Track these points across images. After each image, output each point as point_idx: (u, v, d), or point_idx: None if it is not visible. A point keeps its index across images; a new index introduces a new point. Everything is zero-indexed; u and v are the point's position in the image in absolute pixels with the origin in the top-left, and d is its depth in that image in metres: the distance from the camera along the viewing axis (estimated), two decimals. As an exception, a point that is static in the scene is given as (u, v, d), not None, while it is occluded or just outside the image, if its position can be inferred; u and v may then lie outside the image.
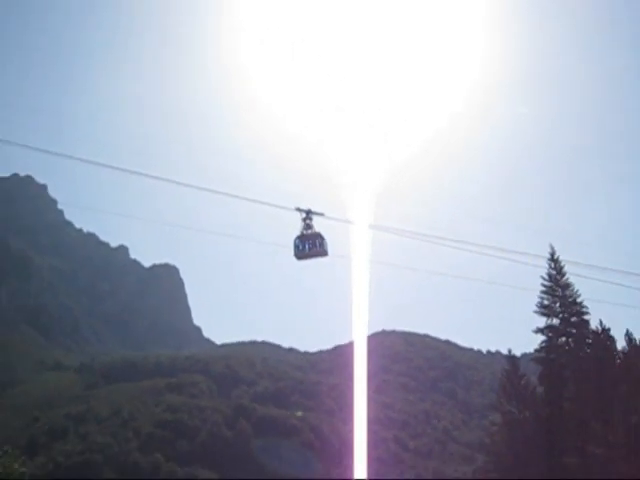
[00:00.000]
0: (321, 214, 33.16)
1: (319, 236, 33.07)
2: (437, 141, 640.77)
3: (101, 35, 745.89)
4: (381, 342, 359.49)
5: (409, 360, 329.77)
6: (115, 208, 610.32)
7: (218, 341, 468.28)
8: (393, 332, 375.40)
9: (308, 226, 32.81)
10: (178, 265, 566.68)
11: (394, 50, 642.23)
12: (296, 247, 33.10)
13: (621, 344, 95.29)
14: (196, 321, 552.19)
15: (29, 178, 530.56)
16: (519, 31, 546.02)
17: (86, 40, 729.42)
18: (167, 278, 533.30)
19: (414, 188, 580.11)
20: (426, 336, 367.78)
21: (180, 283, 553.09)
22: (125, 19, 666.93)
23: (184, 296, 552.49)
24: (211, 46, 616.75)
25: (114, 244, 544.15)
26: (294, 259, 34.36)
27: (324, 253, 33.35)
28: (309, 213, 32.75)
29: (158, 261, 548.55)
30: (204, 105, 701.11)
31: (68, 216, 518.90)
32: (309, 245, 32.81)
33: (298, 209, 32.94)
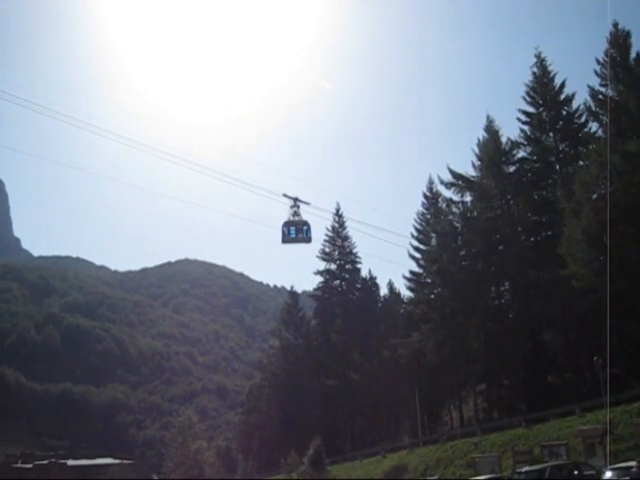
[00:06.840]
0: (307, 203, 31.93)
1: (305, 223, 31.92)
2: (259, 104, 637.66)
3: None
4: (183, 268, 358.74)
5: (206, 287, 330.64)
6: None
7: (36, 253, 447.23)
8: (195, 261, 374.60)
9: (295, 213, 31.54)
10: (6, 181, 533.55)
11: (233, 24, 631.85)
12: (283, 233, 31.56)
13: (384, 291, 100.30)
14: (16, 233, 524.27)
15: None
16: (338, 17, 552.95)
17: None
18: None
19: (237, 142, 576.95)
20: (224, 267, 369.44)
21: (4, 196, 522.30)
22: None
23: (7, 208, 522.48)
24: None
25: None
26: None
27: (308, 240, 32.08)
28: (296, 201, 31.42)
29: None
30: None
31: None
32: (295, 231, 31.48)
33: (285, 195, 31.61)
